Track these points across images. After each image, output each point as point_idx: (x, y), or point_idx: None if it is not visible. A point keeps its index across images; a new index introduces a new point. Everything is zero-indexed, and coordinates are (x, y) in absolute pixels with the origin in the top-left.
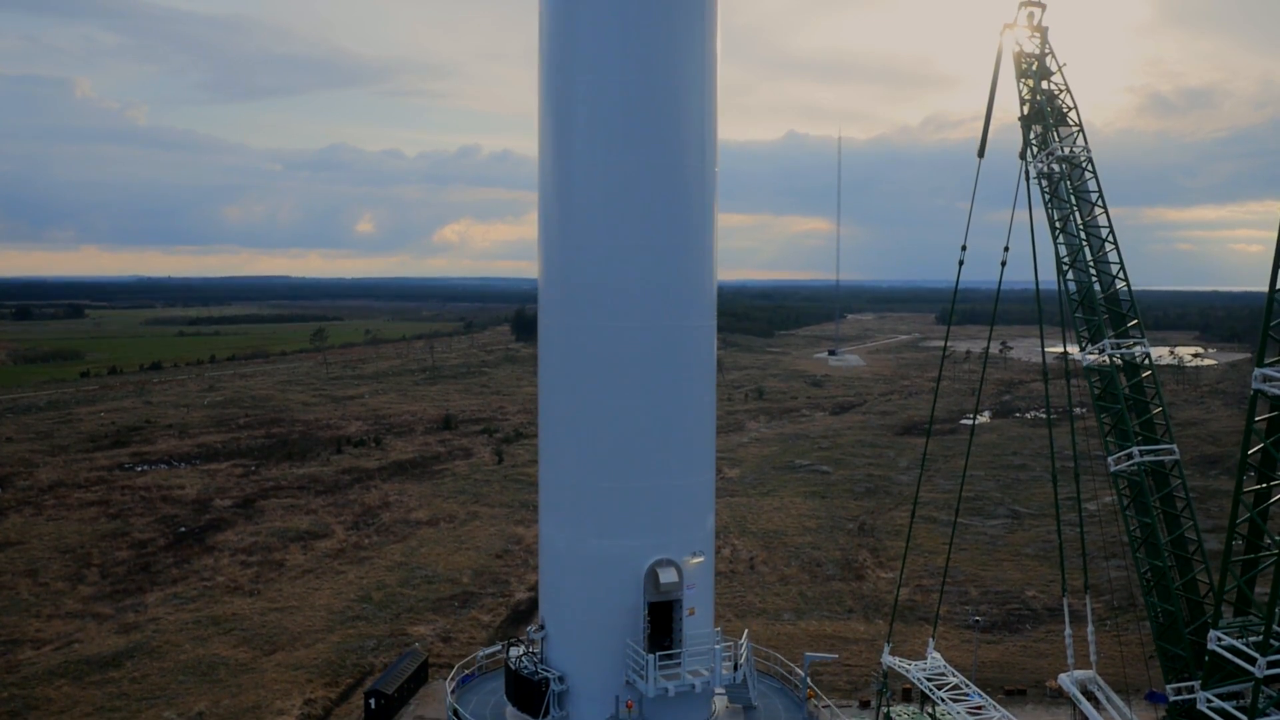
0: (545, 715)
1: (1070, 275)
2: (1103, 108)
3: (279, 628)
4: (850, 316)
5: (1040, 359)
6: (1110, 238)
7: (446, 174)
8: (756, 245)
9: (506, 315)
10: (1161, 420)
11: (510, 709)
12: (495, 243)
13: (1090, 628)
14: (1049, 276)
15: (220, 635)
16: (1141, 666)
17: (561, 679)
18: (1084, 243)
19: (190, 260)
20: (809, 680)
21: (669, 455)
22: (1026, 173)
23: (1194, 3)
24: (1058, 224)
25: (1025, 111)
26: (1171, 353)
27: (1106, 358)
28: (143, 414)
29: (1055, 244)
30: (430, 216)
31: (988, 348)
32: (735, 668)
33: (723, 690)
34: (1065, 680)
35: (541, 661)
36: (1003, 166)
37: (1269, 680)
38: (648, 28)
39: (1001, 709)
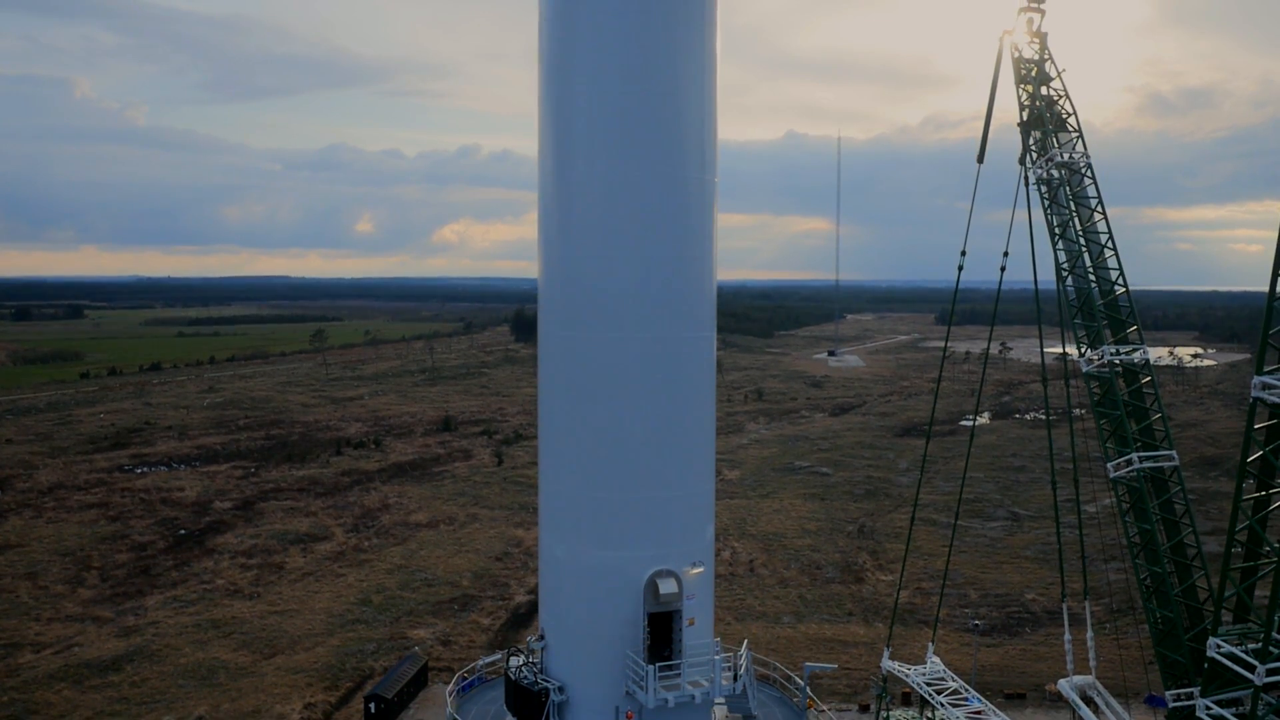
0: None
1: (1069, 281)
2: (1102, 107)
3: (279, 631)
4: (850, 317)
5: (1040, 360)
6: (1110, 243)
7: (446, 174)
8: (756, 245)
9: (506, 315)
10: (1161, 426)
11: (510, 719)
12: (495, 242)
13: (1090, 633)
14: (1048, 278)
15: (220, 639)
16: (1140, 670)
17: (561, 689)
18: (1083, 248)
19: (190, 260)
20: (808, 690)
21: (669, 466)
22: (1026, 178)
23: (1193, 2)
24: (1057, 230)
25: (1024, 117)
26: (1171, 353)
27: (1106, 364)
28: (142, 415)
29: (1054, 250)
30: (430, 216)
31: (987, 349)
32: (735, 678)
33: (722, 700)
34: (1065, 686)
35: (541, 671)
36: (1003, 167)
37: (1268, 688)
38: (648, 29)
39: (1001, 714)
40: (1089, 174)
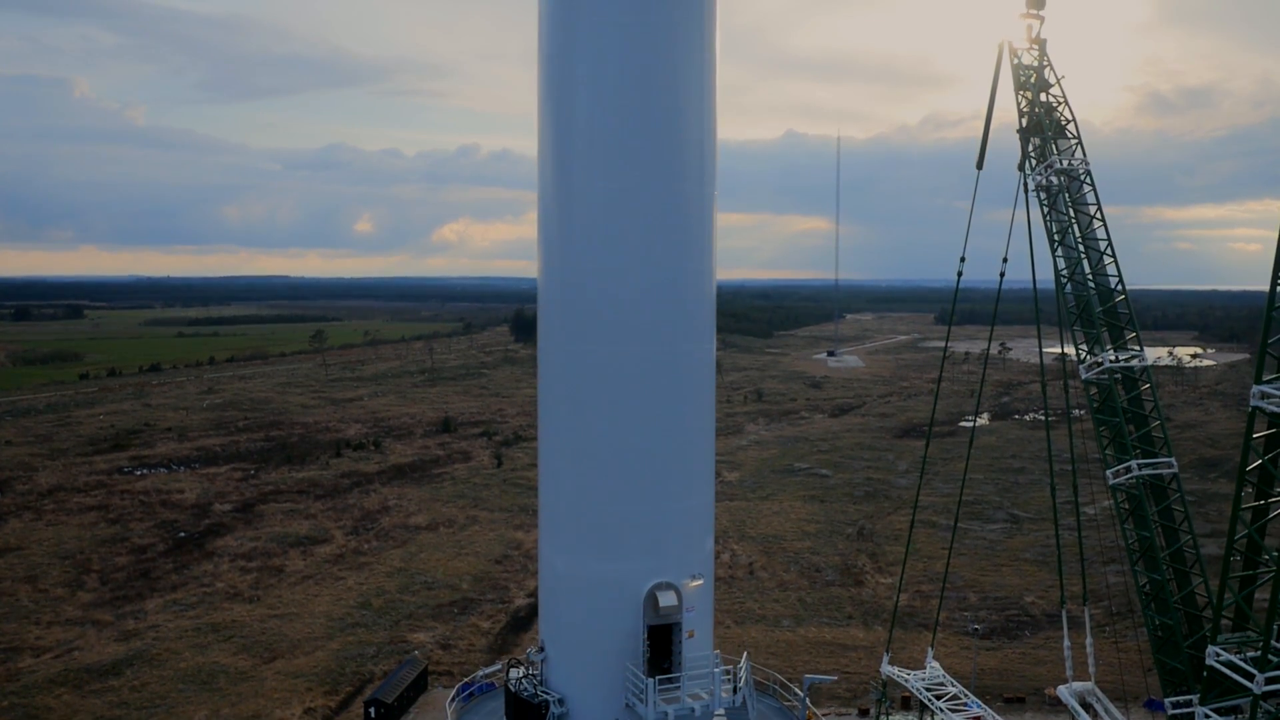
0: None
1: (1068, 288)
2: (1101, 107)
3: (278, 635)
4: (849, 316)
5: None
6: (1109, 250)
7: (445, 173)
8: (755, 244)
9: (505, 315)
10: (1160, 433)
11: None
12: (494, 242)
13: (1089, 639)
14: (1046, 277)
15: (220, 643)
16: (1140, 674)
17: (561, 701)
18: (1082, 255)
19: (189, 260)
20: (808, 701)
21: (668, 478)
22: (1025, 185)
23: (1193, 2)
24: (1056, 236)
25: (1023, 124)
26: (1170, 353)
27: (1105, 371)
28: (142, 417)
29: (1054, 256)
30: (429, 216)
31: (987, 351)
32: (735, 690)
33: (722, 712)
34: (1064, 693)
35: (541, 684)
36: (1002, 168)
37: (1267, 696)
38: (647, 33)
39: (1000, 719)
40: (1088, 180)
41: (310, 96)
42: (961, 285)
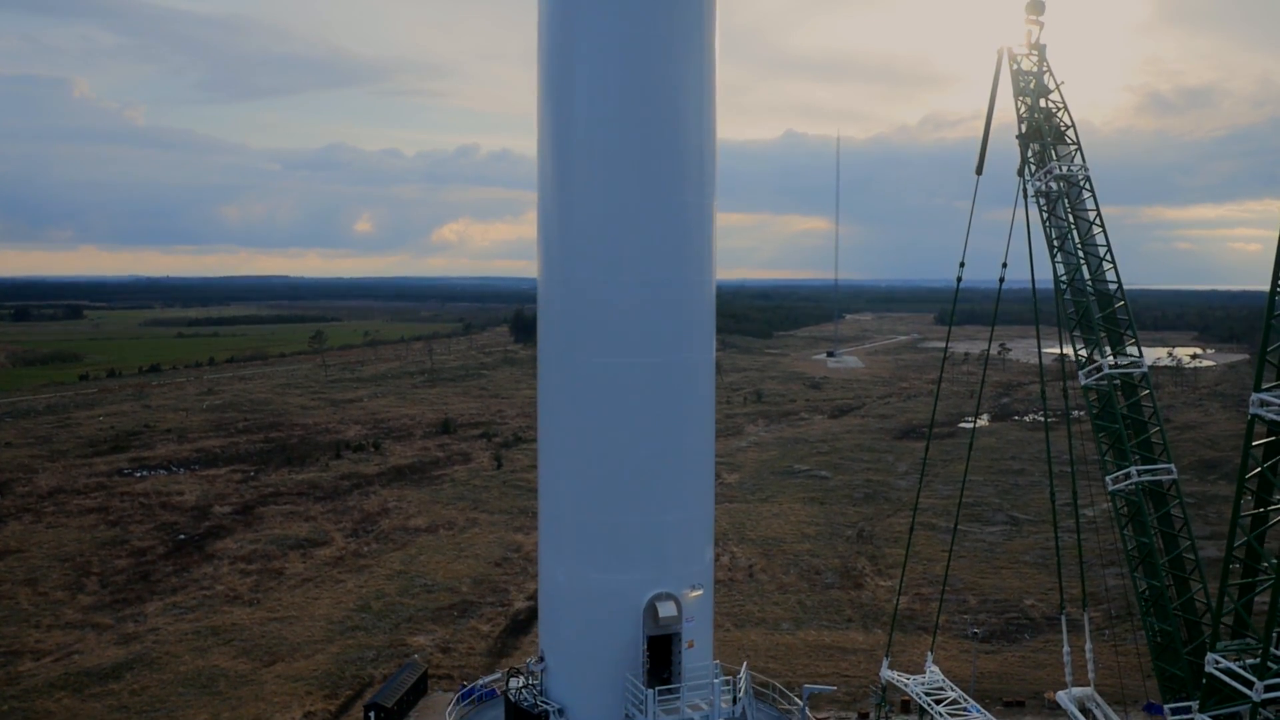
0: None
1: (1068, 295)
2: (1101, 107)
3: (278, 638)
4: (849, 317)
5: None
6: (1109, 256)
7: (445, 173)
8: (755, 244)
9: (505, 316)
10: (1159, 439)
11: None
12: (494, 242)
13: (1089, 644)
14: (1046, 278)
15: (220, 646)
16: (1139, 677)
17: (561, 712)
18: (1082, 261)
19: (188, 260)
20: (807, 711)
21: (668, 489)
22: (1024, 190)
23: (1192, 2)
24: (1055, 242)
25: (1023, 129)
26: (1170, 354)
27: (1104, 377)
28: (142, 418)
29: (1053, 262)
30: (429, 216)
31: (988, 353)
32: (734, 700)
33: None
34: (1063, 698)
35: (541, 694)
36: (1002, 168)
37: (1266, 704)
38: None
39: None
40: (1088, 186)
41: (310, 96)
42: (961, 285)
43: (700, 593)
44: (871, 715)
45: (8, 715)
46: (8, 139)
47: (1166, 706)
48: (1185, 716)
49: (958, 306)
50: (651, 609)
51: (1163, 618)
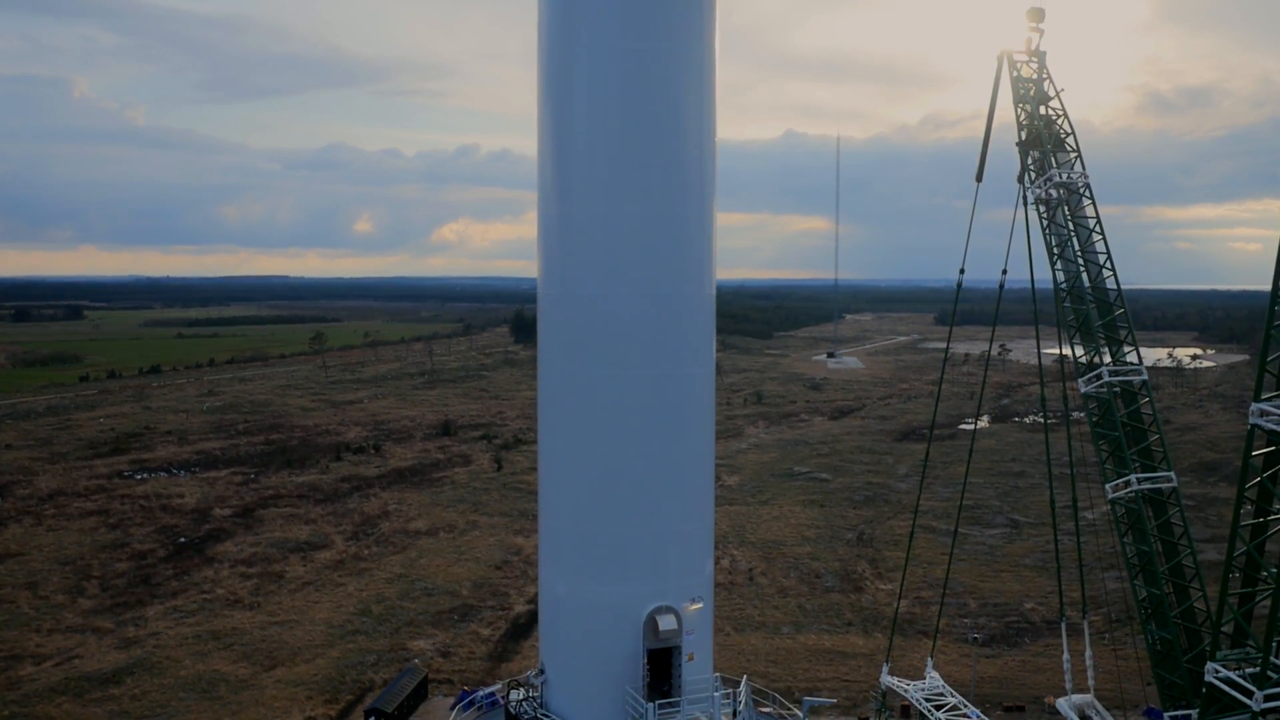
0: None
1: (1068, 303)
2: (1101, 106)
3: (279, 642)
4: (849, 317)
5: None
6: (1108, 263)
7: (445, 173)
8: (755, 244)
9: (505, 316)
10: (1159, 448)
11: None
12: (494, 242)
13: (1088, 651)
14: (1045, 278)
15: (220, 650)
16: (1139, 681)
17: None
18: (1082, 268)
19: (188, 260)
20: None
21: (668, 502)
22: (1024, 197)
23: (1192, 1)
24: (1055, 250)
25: (1023, 137)
26: (1170, 355)
27: (1104, 385)
28: (142, 420)
29: (1053, 270)
30: (429, 216)
31: (988, 355)
32: (735, 714)
33: None
34: (1063, 705)
35: (541, 706)
36: (1003, 166)
37: (1266, 713)
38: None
39: None
40: (1088, 194)
41: (310, 96)
42: (962, 284)
43: (700, 605)
44: None
45: None
46: (8, 139)
47: (1166, 715)
48: None
49: (958, 307)
50: (652, 622)
51: (1163, 625)
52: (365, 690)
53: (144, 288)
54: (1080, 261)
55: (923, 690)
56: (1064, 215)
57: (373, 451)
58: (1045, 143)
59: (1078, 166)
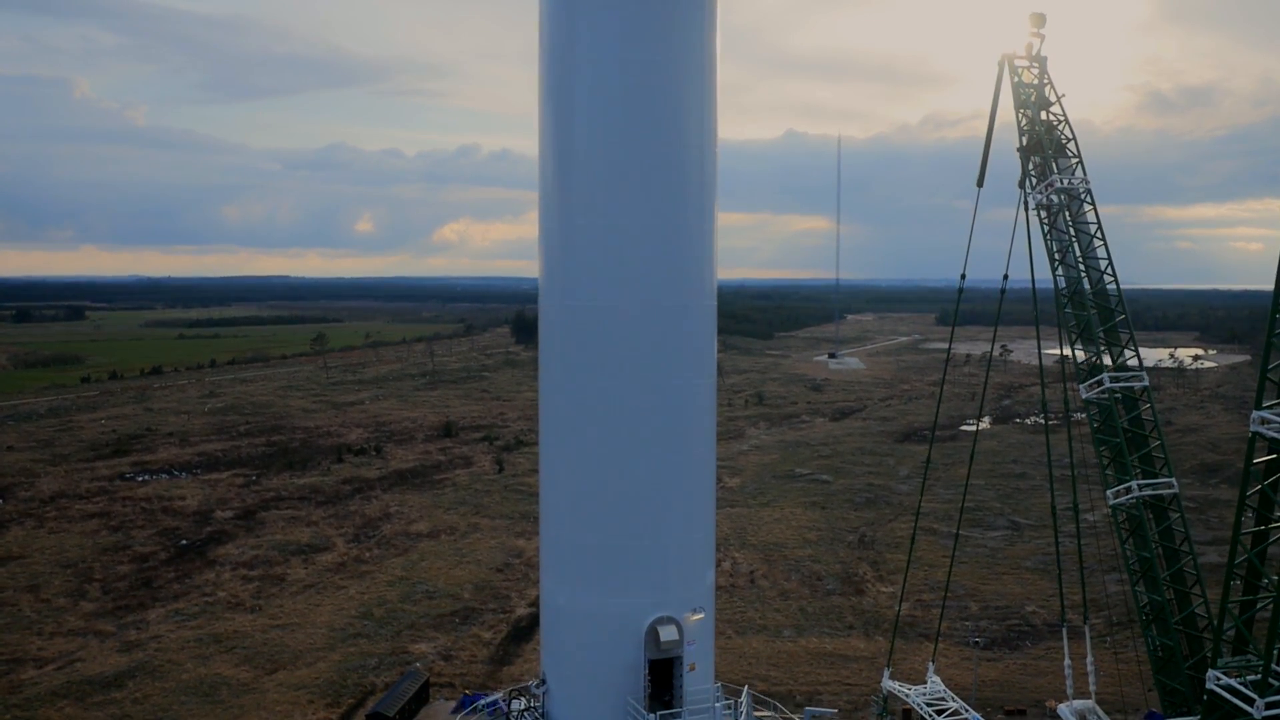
0: None
1: (1069, 309)
2: (1101, 106)
3: (280, 646)
4: (850, 317)
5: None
6: (1110, 269)
7: (445, 173)
8: (756, 244)
9: (506, 316)
10: (1161, 454)
11: None
12: (494, 242)
13: (1089, 656)
14: (1045, 277)
15: (222, 653)
16: (1139, 685)
17: None
18: (1083, 274)
19: (189, 260)
20: None
21: (669, 512)
22: (1025, 203)
23: (1193, 1)
24: (1056, 256)
25: (1024, 142)
26: (1171, 355)
27: (1105, 391)
28: (143, 421)
29: (1054, 276)
30: (429, 216)
31: (990, 358)
32: None
33: None
34: (1065, 711)
35: (542, 716)
36: (1004, 167)
37: None
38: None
39: None
40: (1089, 199)
41: (310, 96)
42: (963, 290)
43: (701, 616)
44: None
45: None
46: (8, 139)
47: None
48: None
49: (956, 306)
50: (653, 633)
51: (1164, 632)
52: (367, 694)
53: (145, 288)
54: (1081, 267)
55: (924, 695)
56: (1065, 221)
57: (374, 453)
58: (1046, 148)
59: (1079, 172)
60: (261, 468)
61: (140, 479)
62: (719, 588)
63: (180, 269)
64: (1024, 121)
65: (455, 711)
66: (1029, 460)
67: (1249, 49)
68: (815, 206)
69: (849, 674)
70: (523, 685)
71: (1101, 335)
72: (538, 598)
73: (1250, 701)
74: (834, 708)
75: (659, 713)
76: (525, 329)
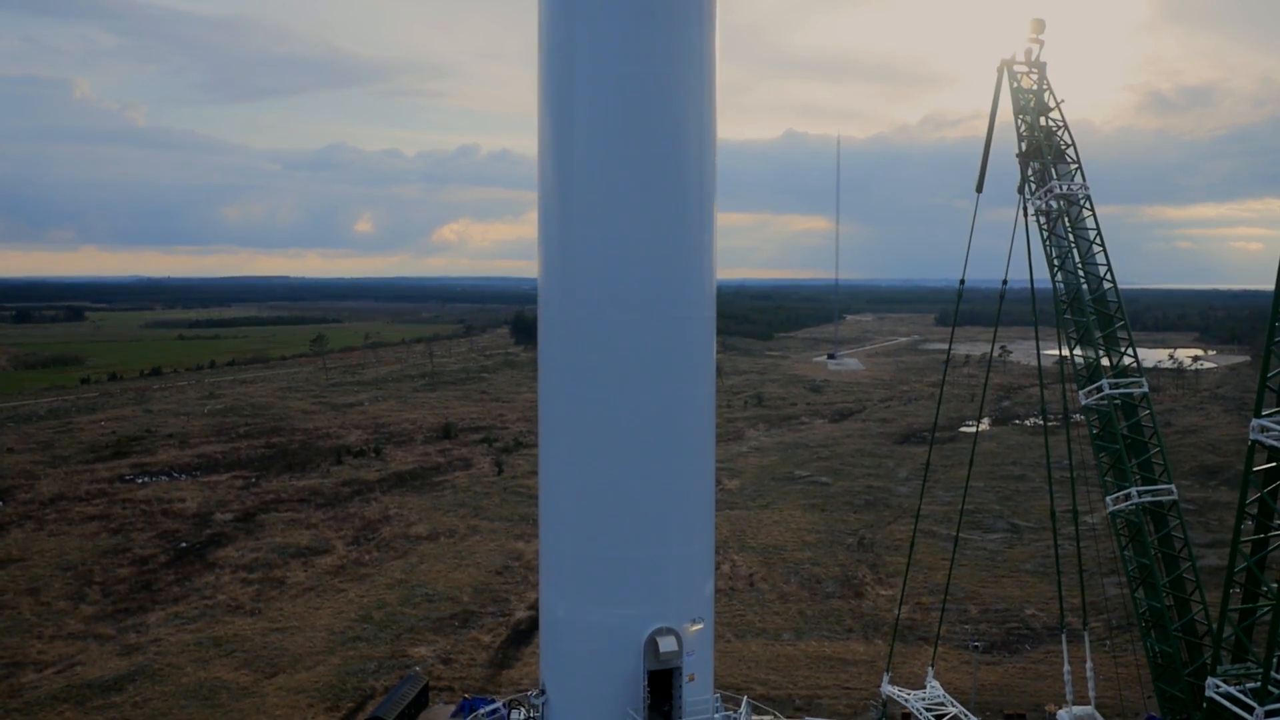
0: None
1: (1069, 315)
2: (1101, 106)
3: (280, 649)
4: (850, 317)
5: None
6: (1109, 275)
7: (445, 173)
8: (755, 244)
9: (506, 317)
10: (1160, 460)
11: None
12: (494, 242)
13: (1089, 662)
14: (1044, 277)
15: (221, 657)
16: (1139, 688)
17: None
18: (1082, 280)
19: (189, 260)
20: None
21: (668, 523)
22: (1025, 209)
23: (1193, 1)
24: (1056, 261)
25: (1023, 148)
26: (1171, 356)
27: (1104, 398)
28: (143, 423)
29: (1054, 281)
30: (429, 216)
31: (990, 360)
32: None
33: None
34: (1064, 716)
35: None
36: (1004, 167)
37: None
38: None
39: None
40: (1088, 205)
41: (310, 97)
42: (962, 294)
43: (701, 626)
44: None
45: None
46: (8, 139)
47: None
48: None
49: (957, 308)
50: (652, 643)
51: (1163, 638)
52: (366, 698)
53: (145, 288)
54: (1081, 273)
55: (923, 699)
56: (1064, 227)
57: (373, 455)
58: (1045, 154)
59: (1078, 178)
60: (261, 470)
61: (140, 481)
62: (718, 591)
63: (180, 269)
64: (1023, 127)
65: (454, 715)
66: (1028, 462)
67: (1249, 49)
68: (815, 206)
69: (848, 678)
70: (522, 695)
71: (1100, 340)
72: (537, 601)
73: (1250, 709)
74: (834, 714)
75: None
76: (524, 330)
